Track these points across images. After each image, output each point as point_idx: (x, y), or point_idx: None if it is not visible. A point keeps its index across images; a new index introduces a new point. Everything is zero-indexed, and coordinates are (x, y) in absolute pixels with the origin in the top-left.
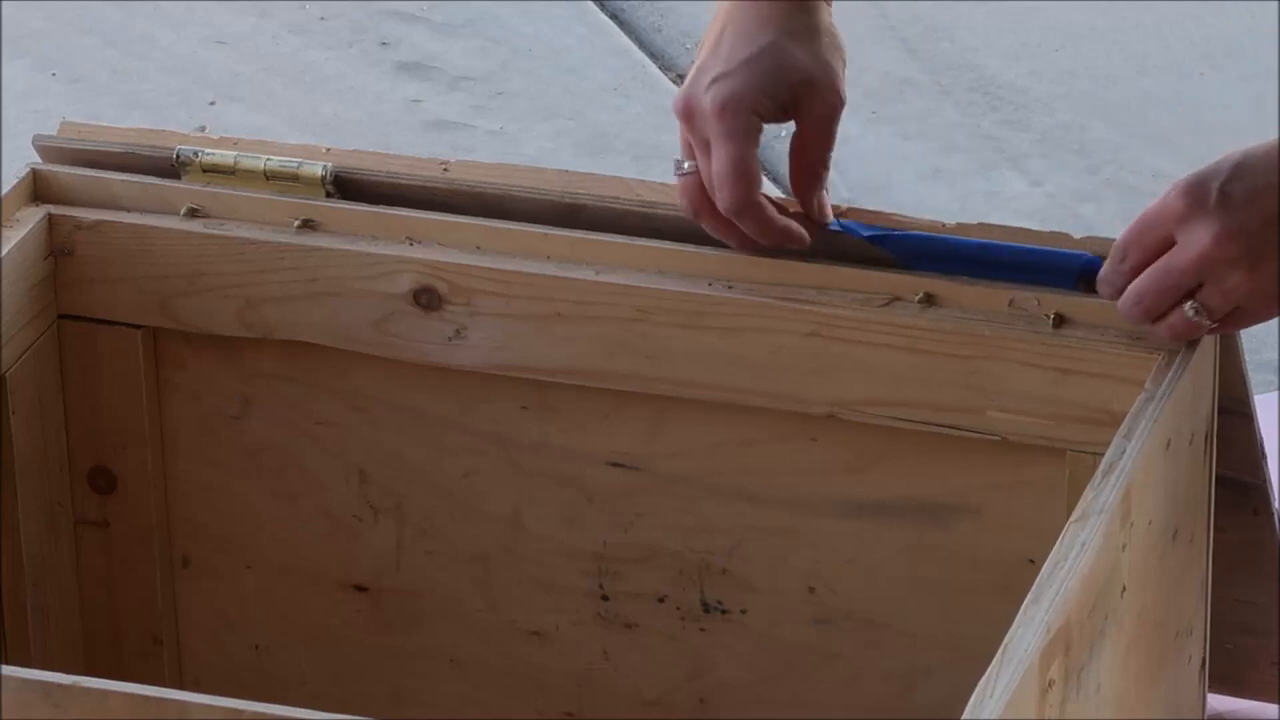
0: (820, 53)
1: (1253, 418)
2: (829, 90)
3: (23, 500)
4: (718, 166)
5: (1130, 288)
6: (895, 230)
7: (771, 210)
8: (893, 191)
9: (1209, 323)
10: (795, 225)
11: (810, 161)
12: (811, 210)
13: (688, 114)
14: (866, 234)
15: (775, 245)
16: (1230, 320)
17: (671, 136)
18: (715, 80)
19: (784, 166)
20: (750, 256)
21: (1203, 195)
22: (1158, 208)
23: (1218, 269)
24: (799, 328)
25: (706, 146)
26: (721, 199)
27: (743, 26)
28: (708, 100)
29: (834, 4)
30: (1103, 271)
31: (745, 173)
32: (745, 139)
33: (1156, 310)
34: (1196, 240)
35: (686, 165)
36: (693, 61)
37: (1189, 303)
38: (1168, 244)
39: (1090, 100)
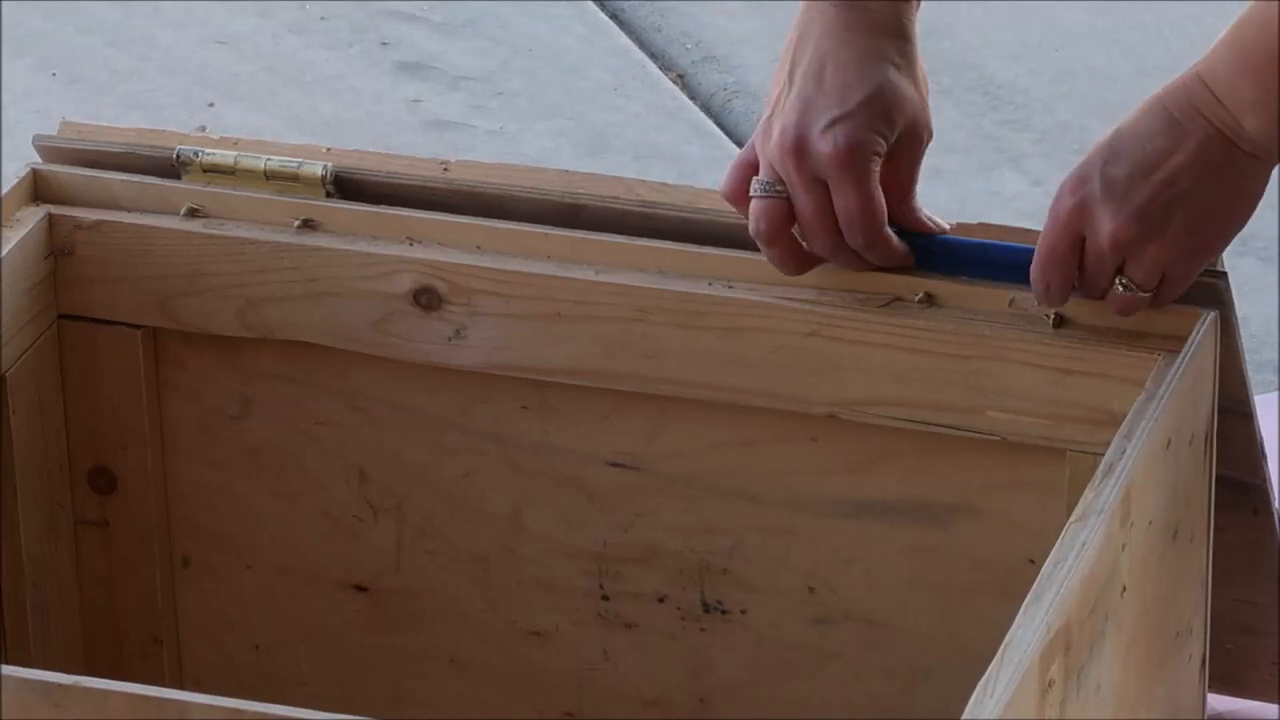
0: (919, 87)
1: (1253, 418)
2: (926, 126)
3: (23, 500)
4: (850, 206)
5: (1081, 288)
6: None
7: (894, 239)
8: None
9: (1144, 294)
10: (905, 247)
11: (905, 189)
12: (926, 227)
13: (799, 152)
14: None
15: (890, 265)
16: (1164, 289)
17: (671, 136)
18: (834, 123)
19: None
20: (750, 256)
21: (1089, 188)
22: (1053, 219)
23: (1130, 250)
24: (799, 328)
25: (815, 184)
26: (855, 236)
27: (849, 59)
28: (828, 143)
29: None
30: (1035, 296)
31: (879, 211)
32: (872, 180)
33: (1095, 294)
34: (1100, 233)
35: (777, 187)
36: (772, 92)
37: (1117, 279)
38: (1080, 245)
39: (1090, 100)
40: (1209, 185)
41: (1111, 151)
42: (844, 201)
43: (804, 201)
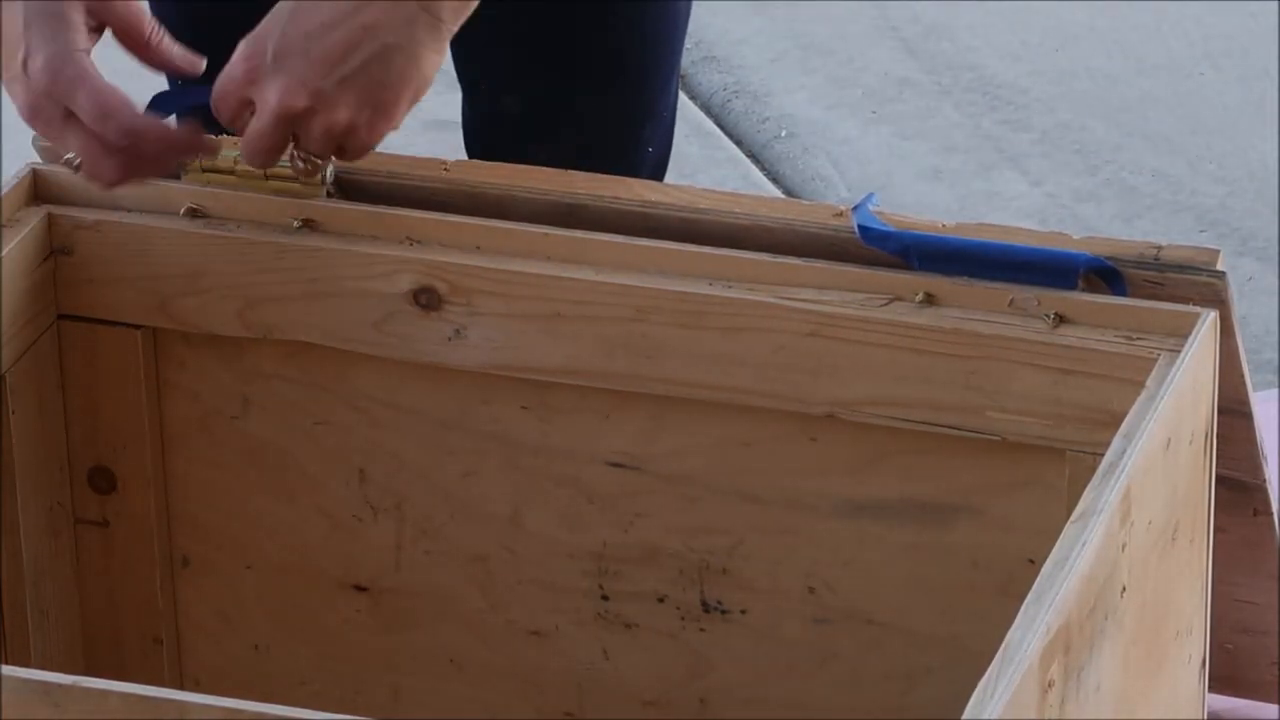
0: None
1: (1253, 418)
2: None
3: (23, 500)
4: (91, 107)
5: (243, 146)
6: (895, 230)
7: (151, 120)
8: (893, 191)
9: (321, 160)
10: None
11: (141, 30)
12: (177, 66)
13: (35, 107)
14: (865, 237)
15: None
16: (346, 152)
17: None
18: (26, 61)
19: (783, 166)
20: (750, 256)
21: (260, 55)
22: (225, 75)
23: (298, 123)
24: (799, 328)
25: (70, 122)
26: (113, 132)
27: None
28: (37, 79)
29: (834, 4)
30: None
31: (118, 99)
32: (92, 77)
33: (271, 163)
34: (266, 104)
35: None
36: None
37: (290, 154)
38: (247, 105)
39: (1090, 100)
40: (380, 53)
41: (292, 19)
42: (84, 104)
43: (73, 146)
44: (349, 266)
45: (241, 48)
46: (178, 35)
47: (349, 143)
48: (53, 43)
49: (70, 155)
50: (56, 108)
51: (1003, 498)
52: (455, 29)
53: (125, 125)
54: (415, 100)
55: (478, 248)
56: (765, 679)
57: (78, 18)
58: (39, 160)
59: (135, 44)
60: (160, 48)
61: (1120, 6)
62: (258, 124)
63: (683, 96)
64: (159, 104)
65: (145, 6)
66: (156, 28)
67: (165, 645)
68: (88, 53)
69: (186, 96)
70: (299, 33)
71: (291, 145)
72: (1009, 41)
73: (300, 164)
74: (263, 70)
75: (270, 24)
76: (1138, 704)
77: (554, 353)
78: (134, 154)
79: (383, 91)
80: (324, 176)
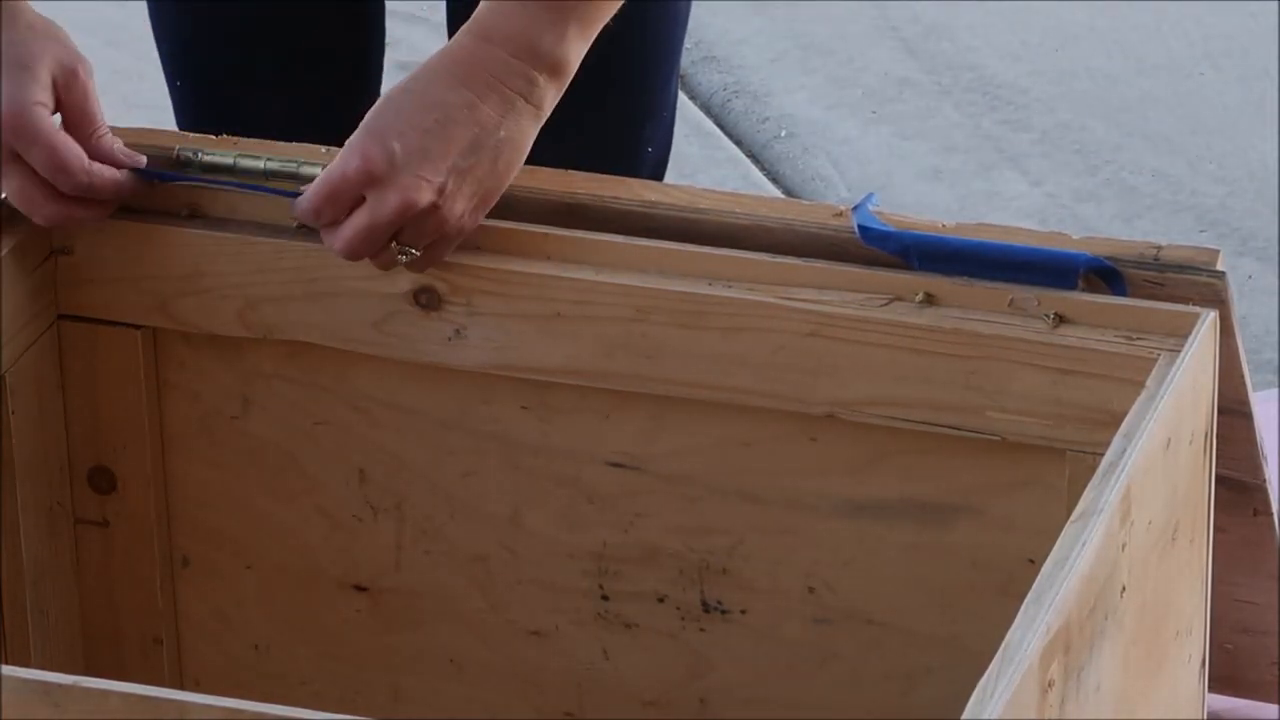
0: (48, 27)
1: (1253, 418)
2: (75, 59)
3: (23, 500)
4: (43, 158)
5: (341, 243)
6: (895, 230)
7: (107, 169)
8: (893, 191)
9: (416, 254)
10: (120, 174)
11: (92, 124)
12: (118, 159)
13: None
14: (865, 237)
15: (113, 195)
16: (432, 251)
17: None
18: None
19: (783, 167)
20: (750, 256)
21: (378, 155)
22: (340, 175)
23: (411, 220)
24: (799, 328)
25: (13, 163)
26: (66, 181)
27: None
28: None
29: (834, 4)
30: (302, 218)
31: (71, 150)
32: (49, 129)
33: (365, 255)
34: (386, 202)
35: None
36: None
37: (395, 247)
38: (360, 202)
39: (1090, 100)
40: (494, 147)
41: (406, 120)
42: (38, 156)
43: (12, 185)
44: (349, 266)
45: (358, 146)
46: (178, 36)
47: (451, 234)
48: (18, 91)
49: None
50: (4, 150)
51: (1003, 498)
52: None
53: (78, 181)
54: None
55: (478, 248)
56: (765, 679)
57: (45, 77)
58: None
59: (81, 134)
60: (102, 142)
61: (1120, 6)
62: (371, 218)
63: (683, 96)
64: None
65: (97, 103)
66: (104, 125)
67: (165, 645)
68: (47, 107)
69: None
70: (417, 130)
71: (397, 238)
72: (1009, 41)
73: (401, 257)
74: (382, 169)
75: (382, 120)
76: (1138, 704)
77: (554, 353)
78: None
79: (493, 182)
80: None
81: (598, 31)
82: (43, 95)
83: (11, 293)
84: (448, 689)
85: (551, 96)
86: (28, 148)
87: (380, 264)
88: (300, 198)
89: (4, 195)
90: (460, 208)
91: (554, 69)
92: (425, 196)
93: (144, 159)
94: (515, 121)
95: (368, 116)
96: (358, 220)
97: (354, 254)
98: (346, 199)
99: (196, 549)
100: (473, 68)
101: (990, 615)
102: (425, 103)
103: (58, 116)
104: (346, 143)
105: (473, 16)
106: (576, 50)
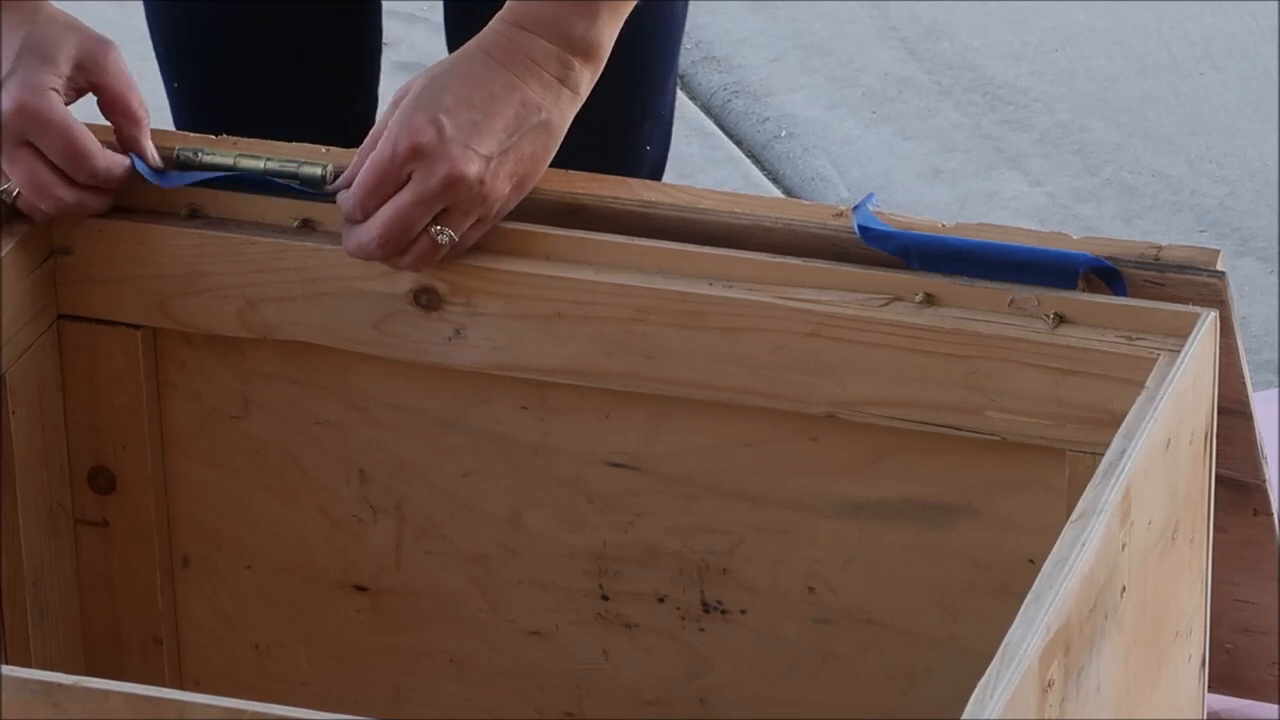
0: (64, 18)
1: (1253, 418)
2: (98, 42)
3: (23, 500)
4: (57, 146)
5: (373, 232)
6: (895, 230)
7: (115, 156)
8: (893, 191)
9: (456, 240)
10: (125, 160)
11: (130, 110)
12: (142, 148)
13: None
14: (865, 237)
15: (108, 183)
16: (479, 226)
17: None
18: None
19: (783, 166)
20: (750, 256)
21: (424, 129)
22: (389, 153)
23: (457, 199)
24: (799, 328)
25: (21, 151)
26: (80, 170)
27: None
28: (4, 106)
29: (834, 4)
30: (345, 214)
31: (84, 138)
32: (64, 116)
33: (399, 248)
34: (432, 179)
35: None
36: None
37: (435, 228)
38: (404, 182)
39: (1090, 100)
40: (537, 128)
41: (455, 97)
42: (52, 144)
43: (22, 172)
44: (349, 266)
45: (401, 123)
46: (176, 36)
47: (489, 215)
48: (34, 77)
49: (7, 186)
50: (14, 137)
51: (1003, 498)
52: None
53: (94, 166)
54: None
55: (478, 248)
56: (765, 679)
57: (65, 66)
58: None
59: (122, 116)
60: (143, 125)
61: (1120, 6)
62: (418, 191)
63: (682, 96)
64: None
65: (132, 83)
66: (141, 108)
67: (165, 645)
68: (61, 94)
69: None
70: (464, 105)
71: (439, 218)
72: (1009, 41)
73: (441, 238)
74: (431, 142)
75: (427, 97)
76: (1138, 704)
77: (554, 353)
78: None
79: (531, 165)
80: (324, 176)
81: (628, 13)
82: (57, 82)
83: (11, 293)
84: (448, 689)
85: (588, 80)
86: (41, 135)
87: (416, 256)
88: (345, 191)
89: (6, 186)
90: (502, 187)
91: (588, 53)
92: (474, 168)
93: (159, 162)
94: (555, 104)
95: (408, 98)
96: (402, 197)
97: (391, 237)
98: (393, 179)
99: (196, 549)
100: (511, 52)
101: (990, 615)
102: (470, 82)
103: (88, 106)
104: (388, 125)
105: (505, 6)
106: (609, 33)
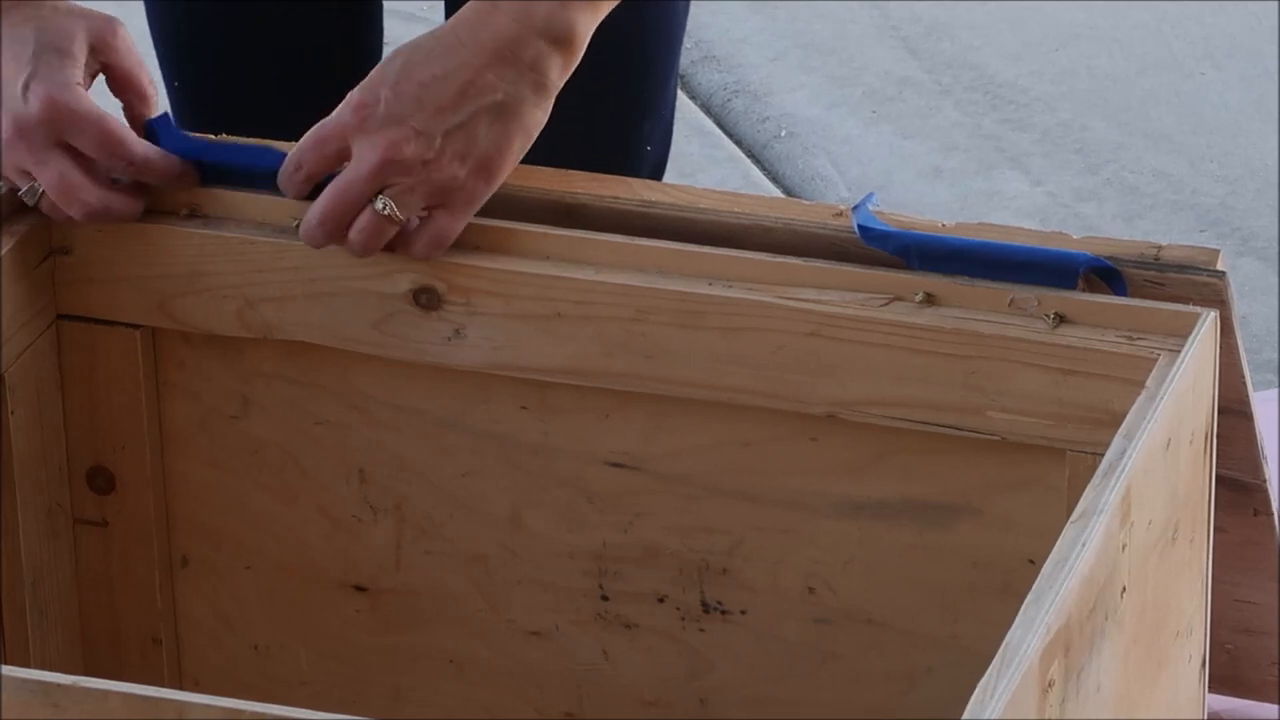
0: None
1: (1253, 418)
2: (104, 21)
3: (22, 500)
4: (90, 139)
5: (313, 210)
6: (895, 230)
7: (155, 149)
8: (893, 191)
9: (401, 217)
10: (174, 158)
11: (140, 90)
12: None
13: (20, 134)
14: (865, 237)
15: (167, 181)
16: (445, 209)
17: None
18: (26, 89)
19: (783, 166)
20: (750, 256)
21: (372, 104)
22: (333, 121)
23: (398, 174)
24: (799, 328)
25: (52, 153)
26: (118, 163)
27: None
28: (34, 108)
29: (834, 3)
30: (281, 179)
31: (117, 128)
32: (91, 109)
33: (341, 227)
34: (372, 149)
35: (26, 185)
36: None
37: (378, 199)
38: (345, 156)
39: (1090, 99)
40: (493, 108)
41: (406, 67)
42: (88, 139)
43: (51, 174)
44: (349, 266)
45: (352, 96)
46: (176, 36)
47: (449, 200)
48: (58, 73)
49: (31, 186)
50: (47, 137)
51: (1003, 498)
52: (560, 86)
53: (131, 156)
54: (517, 160)
55: (477, 248)
56: (765, 679)
57: (81, 54)
58: None
59: (133, 94)
60: (153, 103)
61: (1120, 6)
62: (355, 171)
63: (683, 96)
64: (159, 137)
65: (141, 61)
66: (153, 83)
67: (165, 645)
68: (85, 88)
69: (187, 143)
70: (413, 84)
71: (382, 193)
72: (1009, 41)
73: (389, 212)
74: (373, 118)
75: (382, 74)
76: (1138, 704)
77: (554, 353)
78: (119, 186)
79: (487, 147)
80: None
81: (609, 8)
82: (79, 75)
83: (11, 293)
84: (448, 689)
85: (558, 67)
86: (75, 130)
87: (361, 233)
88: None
89: (28, 187)
90: (455, 169)
91: (558, 39)
92: (411, 147)
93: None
94: (515, 87)
95: (369, 74)
96: (345, 172)
97: (330, 215)
98: (333, 145)
99: (196, 549)
100: (476, 31)
101: (990, 615)
102: (423, 59)
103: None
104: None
105: None
106: (584, 22)
